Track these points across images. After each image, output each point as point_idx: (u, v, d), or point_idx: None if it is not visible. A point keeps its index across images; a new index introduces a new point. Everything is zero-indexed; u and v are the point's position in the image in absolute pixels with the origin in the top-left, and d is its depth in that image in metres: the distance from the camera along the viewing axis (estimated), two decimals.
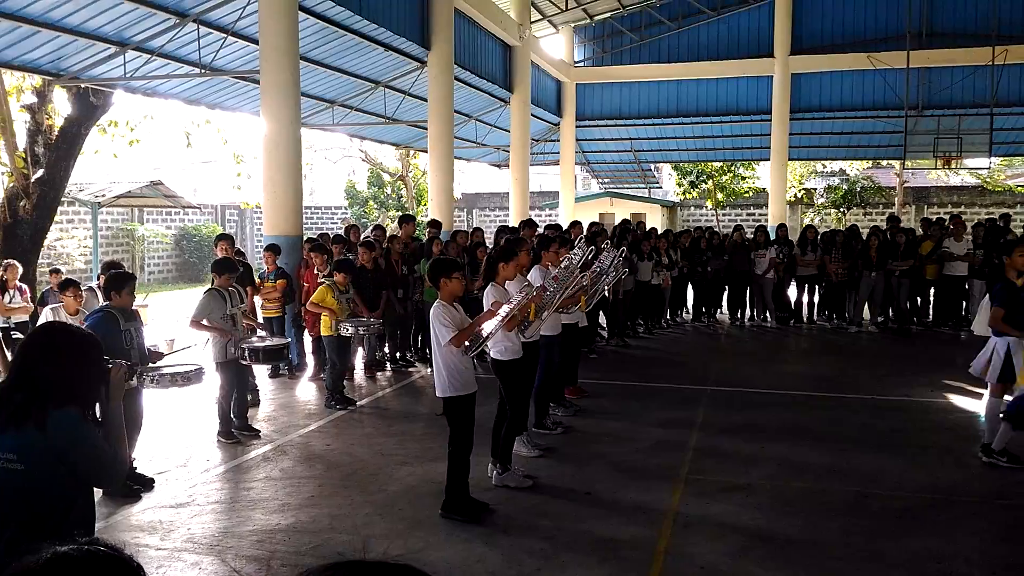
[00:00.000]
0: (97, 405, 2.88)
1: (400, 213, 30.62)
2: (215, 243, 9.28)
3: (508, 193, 21.09)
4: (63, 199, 14.79)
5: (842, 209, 30.45)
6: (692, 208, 32.97)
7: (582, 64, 23.75)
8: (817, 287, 14.34)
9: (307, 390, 9.43)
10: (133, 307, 6.04)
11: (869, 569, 4.56)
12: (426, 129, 15.76)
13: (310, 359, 10.30)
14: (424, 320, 10.09)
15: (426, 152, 17.13)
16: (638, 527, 5.13)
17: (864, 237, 13.81)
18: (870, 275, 13.26)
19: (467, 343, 5.19)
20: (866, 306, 13.72)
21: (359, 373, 10.11)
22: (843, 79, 21.91)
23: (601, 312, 11.94)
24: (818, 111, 22.46)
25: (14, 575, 1.21)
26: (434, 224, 12.40)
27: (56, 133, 13.18)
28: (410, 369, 10.48)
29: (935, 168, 25.22)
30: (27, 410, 2.57)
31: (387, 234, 11.94)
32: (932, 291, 13.96)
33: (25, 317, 9.33)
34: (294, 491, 5.88)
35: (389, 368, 10.47)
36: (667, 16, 22.39)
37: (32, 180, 12.98)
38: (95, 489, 2.86)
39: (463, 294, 5.72)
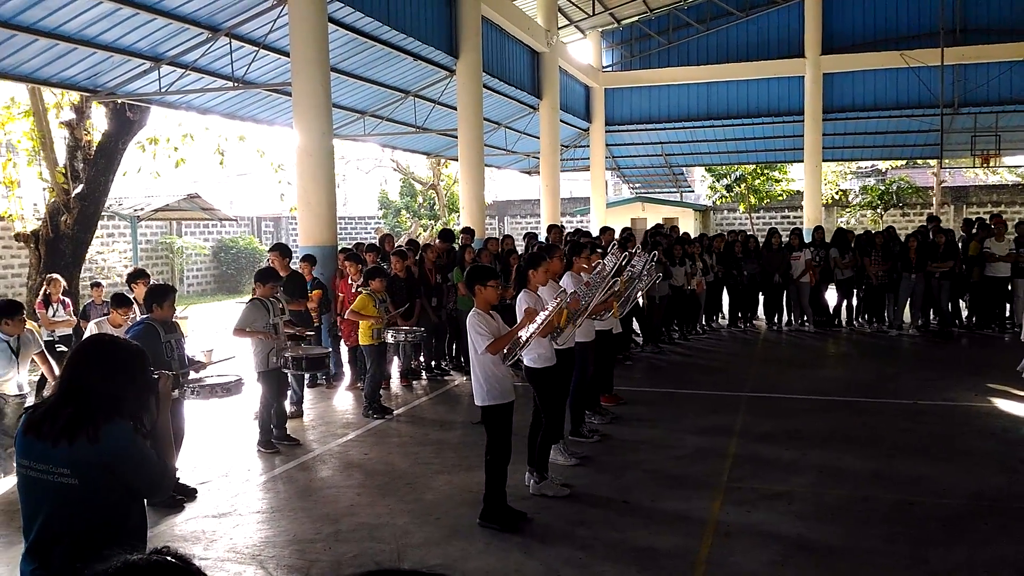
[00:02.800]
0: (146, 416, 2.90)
1: (432, 222, 30.80)
2: (269, 253, 9.38)
3: (539, 200, 21.09)
4: (103, 213, 15.08)
5: (879, 210, 30.00)
6: (725, 212, 32.71)
7: (610, 68, 23.71)
8: (856, 290, 14.14)
9: (344, 400, 9.49)
10: (173, 319, 6.13)
11: None
12: (456, 137, 15.83)
13: (347, 368, 10.37)
14: (458, 328, 10.15)
15: (457, 160, 17.19)
16: (678, 536, 5.09)
17: (903, 239, 13.60)
18: (910, 277, 13.04)
19: (504, 350, 5.20)
20: (907, 309, 13.50)
21: (395, 382, 10.16)
22: (876, 78, 21.63)
23: (635, 318, 11.88)
24: (851, 111, 22.18)
25: None
26: (467, 231, 12.44)
27: (94, 148, 13.44)
28: (445, 378, 10.51)
29: (973, 167, 24.76)
30: (79, 424, 2.55)
31: (419, 246, 12.00)
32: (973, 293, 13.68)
33: (69, 330, 9.50)
34: (333, 500, 5.92)
35: (424, 377, 10.50)
36: (695, 18, 22.27)
37: (72, 195, 13.25)
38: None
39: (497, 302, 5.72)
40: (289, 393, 8.16)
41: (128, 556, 1.27)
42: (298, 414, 8.42)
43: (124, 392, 2.67)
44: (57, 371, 7.23)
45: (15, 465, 2.69)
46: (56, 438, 2.55)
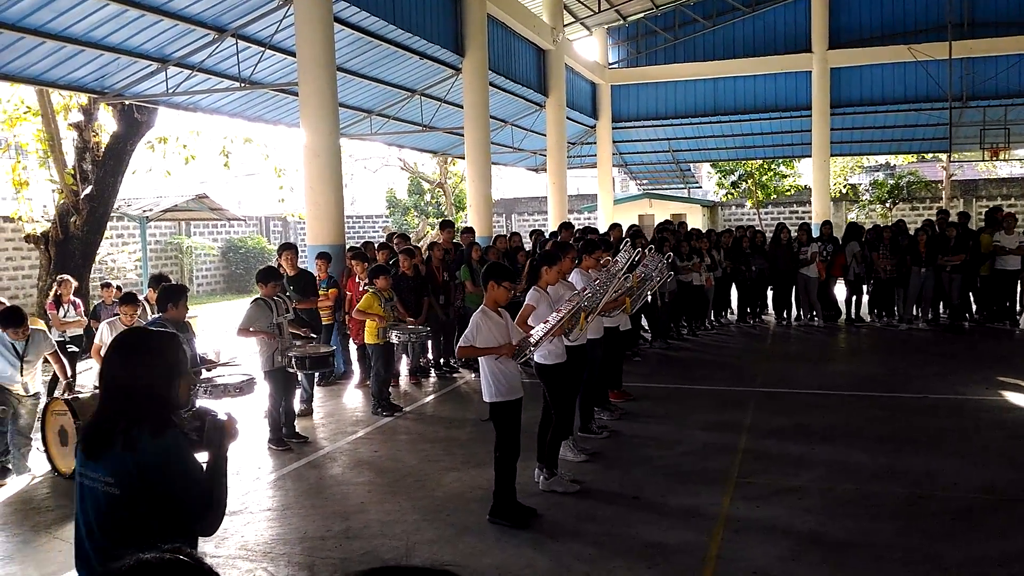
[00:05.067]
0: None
1: (440, 220, 30.80)
2: (279, 252, 9.42)
3: (546, 197, 21.09)
4: (112, 214, 15.14)
5: (888, 204, 29.89)
6: (733, 208, 32.64)
7: (616, 65, 23.67)
8: (865, 285, 14.09)
9: (354, 397, 9.52)
10: (185, 319, 6.16)
11: (926, 572, 4.45)
12: (463, 136, 15.84)
13: (356, 366, 10.40)
14: (466, 326, 10.15)
15: (464, 158, 17.21)
16: (688, 531, 5.09)
17: (912, 233, 13.54)
18: (919, 271, 12.98)
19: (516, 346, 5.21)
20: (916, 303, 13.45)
21: (404, 379, 10.18)
22: (883, 72, 21.56)
23: (644, 315, 11.86)
24: (859, 105, 22.10)
25: None
26: (468, 231, 12.52)
27: (103, 150, 13.50)
28: (454, 375, 10.52)
29: (982, 160, 24.65)
30: (121, 430, 2.47)
31: (410, 242, 12.03)
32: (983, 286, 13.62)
33: (80, 331, 9.55)
34: (343, 498, 5.94)
35: (433, 374, 10.52)
36: (701, 14, 22.22)
37: (81, 196, 13.31)
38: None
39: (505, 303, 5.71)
40: (299, 391, 8.19)
41: (141, 554, 1.28)
42: (308, 412, 8.45)
43: (166, 382, 2.58)
44: (70, 371, 7.29)
45: (76, 475, 2.59)
46: (102, 446, 2.49)
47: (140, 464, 2.44)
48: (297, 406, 7.98)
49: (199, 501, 2.56)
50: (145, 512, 2.48)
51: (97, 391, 6.94)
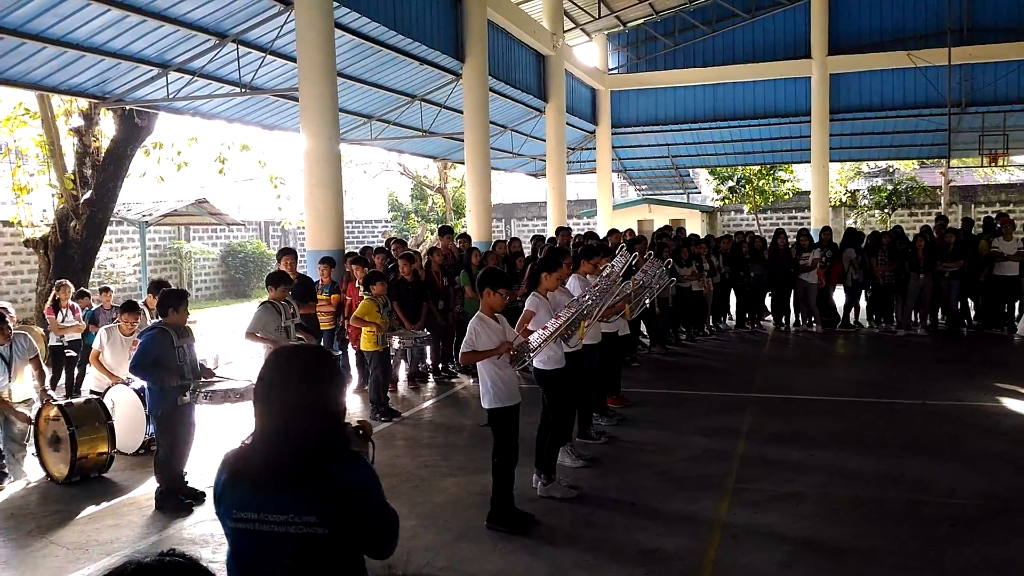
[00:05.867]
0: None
1: (440, 225, 30.83)
2: (278, 257, 9.45)
3: (545, 202, 21.11)
4: (112, 219, 15.14)
5: (887, 210, 29.91)
6: (732, 213, 32.67)
7: (616, 71, 23.72)
8: (864, 291, 14.10)
9: (352, 403, 9.51)
10: (186, 324, 6.17)
11: None
12: (463, 141, 15.86)
13: (354, 372, 10.39)
14: (464, 331, 10.15)
15: (463, 163, 17.22)
16: (685, 538, 5.08)
17: (911, 239, 13.55)
18: (918, 277, 12.99)
19: (513, 353, 5.21)
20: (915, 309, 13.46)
21: (402, 385, 10.17)
22: (883, 78, 21.60)
23: (642, 320, 11.86)
24: (858, 111, 22.15)
25: None
26: (464, 237, 12.54)
27: (103, 155, 13.51)
28: (452, 380, 10.52)
29: (981, 166, 24.68)
30: (314, 460, 2.16)
31: (407, 247, 12.03)
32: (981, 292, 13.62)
33: (77, 335, 9.55)
34: None
35: (432, 379, 10.52)
36: (701, 20, 22.27)
37: (81, 201, 13.32)
38: None
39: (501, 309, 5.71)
40: None
41: (140, 558, 1.29)
42: None
43: (343, 401, 2.31)
44: (49, 379, 7.26)
45: (227, 521, 2.22)
46: (294, 481, 2.13)
47: (342, 496, 2.15)
48: None
49: (395, 524, 2.35)
50: (353, 549, 2.23)
51: (94, 399, 6.94)
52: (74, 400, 6.93)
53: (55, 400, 7.01)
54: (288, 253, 9.36)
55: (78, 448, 6.40)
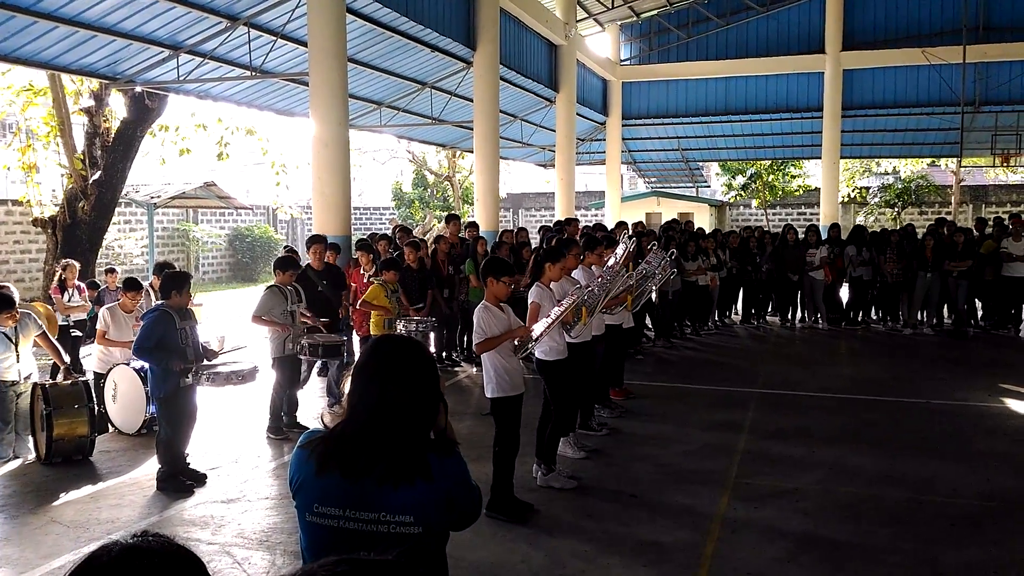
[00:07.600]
0: None
1: (445, 213, 30.82)
2: (307, 245, 9.20)
3: (554, 193, 21.06)
4: (120, 200, 15.17)
5: (896, 208, 29.77)
6: (741, 208, 32.56)
7: (628, 62, 23.60)
8: (871, 289, 14.04)
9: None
10: (189, 306, 6.18)
11: None
12: (472, 129, 15.83)
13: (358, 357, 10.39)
14: (469, 320, 10.15)
15: (472, 152, 17.18)
16: (684, 531, 5.09)
17: (920, 237, 13.49)
18: (925, 276, 12.93)
19: (516, 343, 5.21)
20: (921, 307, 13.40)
21: None
22: (896, 75, 21.43)
23: (647, 313, 11.85)
24: (871, 108, 21.99)
25: (84, 568, 1.21)
26: (472, 226, 12.50)
27: (113, 135, 13.53)
28: (456, 368, 10.53)
29: (993, 166, 24.51)
30: (413, 456, 2.06)
31: (411, 235, 11.99)
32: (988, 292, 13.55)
33: (84, 315, 9.59)
34: None
35: None
36: (715, 13, 22.13)
37: (90, 181, 13.35)
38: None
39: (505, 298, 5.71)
40: (325, 381, 8.21)
41: (125, 540, 1.25)
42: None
43: (437, 401, 2.18)
44: (65, 354, 7.29)
45: (306, 514, 2.11)
46: (393, 479, 2.02)
47: (439, 493, 2.06)
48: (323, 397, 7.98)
49: (480, 502, 2.27)
50: (443, 544, 2.16)
51: (80, 381, 6.93)
52: (59, 381, 6.96)
53: (77, 376, 7.05)
54: (318, 241, 9.04)
55: (54, 428, 6.43)
